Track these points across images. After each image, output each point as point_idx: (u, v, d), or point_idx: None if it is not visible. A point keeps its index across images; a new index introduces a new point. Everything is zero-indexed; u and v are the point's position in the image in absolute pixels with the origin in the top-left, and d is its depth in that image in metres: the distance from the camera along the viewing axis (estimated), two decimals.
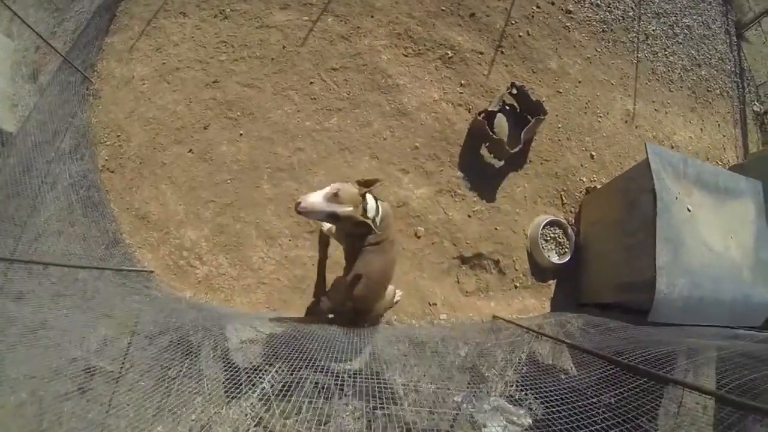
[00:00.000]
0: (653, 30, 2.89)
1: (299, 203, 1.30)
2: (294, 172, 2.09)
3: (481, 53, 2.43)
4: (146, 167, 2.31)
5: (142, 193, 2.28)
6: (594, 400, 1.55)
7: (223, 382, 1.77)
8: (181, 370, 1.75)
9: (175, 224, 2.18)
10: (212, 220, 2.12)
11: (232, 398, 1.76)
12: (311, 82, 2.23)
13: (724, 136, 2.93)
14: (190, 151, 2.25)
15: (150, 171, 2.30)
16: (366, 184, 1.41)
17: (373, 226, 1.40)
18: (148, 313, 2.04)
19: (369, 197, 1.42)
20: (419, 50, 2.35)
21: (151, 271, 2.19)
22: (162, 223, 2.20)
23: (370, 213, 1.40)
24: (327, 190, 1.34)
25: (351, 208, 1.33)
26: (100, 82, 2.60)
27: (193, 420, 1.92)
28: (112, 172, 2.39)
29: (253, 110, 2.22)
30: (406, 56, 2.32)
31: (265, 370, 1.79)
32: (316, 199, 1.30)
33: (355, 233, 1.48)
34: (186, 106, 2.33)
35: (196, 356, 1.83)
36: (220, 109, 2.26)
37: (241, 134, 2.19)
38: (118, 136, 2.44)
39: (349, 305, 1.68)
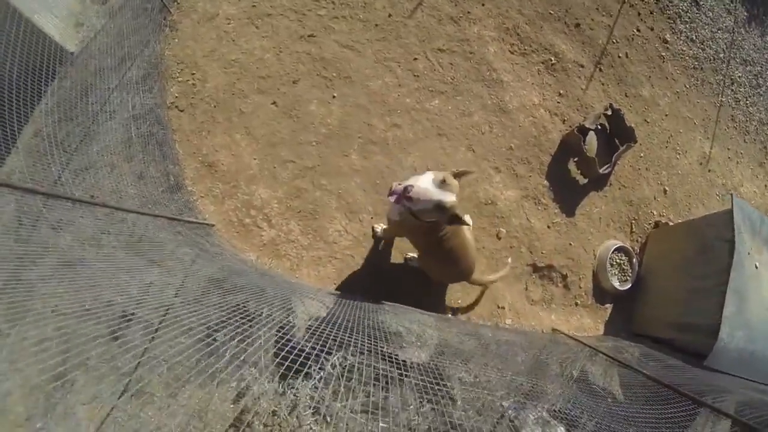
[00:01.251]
0: (739, 77, 2.87)
1: (405, 187, 1.14)
2: (387, 148, 1.97)
3: (582, 66, 2.35)
4: (221, 112, 2.14)
5: (213, 139, 2.11)
6: (632, 429, 1.57)
7: (284, 358, 1.67)
8: (230, 335, 1.64)
9: (245, 179, 2.03)
10: (289, 182, 1.98)
11: (290, 374, 1.66)
12: (415, 59, 2.10)
13: None
14: (274, 103, 2.09)
15: (225, 117, 2.13)
16: (459, 175, 1.28)
17: (465, 221, 1.25)
18: (202, 268, 1.90)
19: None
20: (525, 50, 2.25)
21: (212, 225, 2.04)
22: (231, 175, 2.05)
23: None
24: (431, 176, 1.19)
25: (456, 199, 1.19)
26: (179, 14, 2.39)
27: (232, 386, 1.81)
28: (181, 111, 2.21)
29: (350, 74, 2.07)
30: (512, 53, 2.22)
31: (331, 353, 1.69)
32: (426, 185, 1.15)
33: (428, 227, 1.34)
34: (275, 55, 2.16)
35: (252, 324, 1.71)
36: (314, 65, 2.10)
37: (334, 96, 2.05)
38: (193, 74, 2.25)
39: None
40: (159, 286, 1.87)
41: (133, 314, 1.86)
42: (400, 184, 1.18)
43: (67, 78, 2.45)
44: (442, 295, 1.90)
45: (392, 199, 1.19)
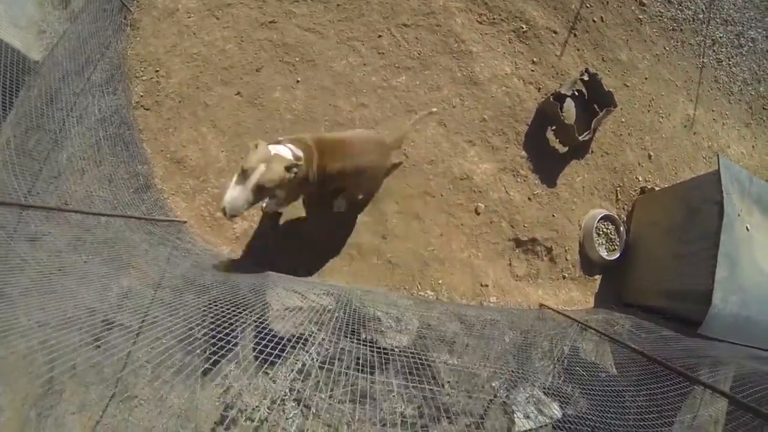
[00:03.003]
0: (720, 37, 2.71)
1: (223, 209, 1.06)
2: (354, 129, 1.85)
3: (555, 32, 2.21)
4: (186, 107, 2.04)
5: (180, 135, 2.01)
6: (629, 401, 1.48)
7: (260, 351, 1.58)
8: (210, 332, 1.54)
9: (215, 172, 1.93)
10: None
11: (268, 367, 1.57)
12: (380, 36, 1.98)
13: None
14: (238, 93, 1.98)
15: (190, 111, 2.03)
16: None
17: (300, 167, 1.16)
18: (177, 267, 1.80)
19: (276, 147, 1.18)
20: (494, 19, 2.12)
21: (184, 222, 1.94)
22: (200, 170, 1.94)
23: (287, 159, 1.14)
24: (233, 179, 1.10)
25: (266, 167, 1.06)
26: (139, 12, 2.28)
27: (216, 384, 1.73)
28: (147, 109, 2.11)
29: (313, 57, 1.95)
30: (481, 23, 2.08)
31: (308, 342, 1.60)
32: (230, 193, 1.06)
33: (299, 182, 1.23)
34: (237, 44, 2.05)
35: (229, 319, 1.62)
36: (276, 51, 1.99)
37: (298, 81, 1.93)
38: (157, 71, 2.15)
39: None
40: (136, 289, 1.78)
41: (113, 320, 1.77)
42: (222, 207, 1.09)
43: (34, 87, 2.35)
44: (421, 278, 1.79)
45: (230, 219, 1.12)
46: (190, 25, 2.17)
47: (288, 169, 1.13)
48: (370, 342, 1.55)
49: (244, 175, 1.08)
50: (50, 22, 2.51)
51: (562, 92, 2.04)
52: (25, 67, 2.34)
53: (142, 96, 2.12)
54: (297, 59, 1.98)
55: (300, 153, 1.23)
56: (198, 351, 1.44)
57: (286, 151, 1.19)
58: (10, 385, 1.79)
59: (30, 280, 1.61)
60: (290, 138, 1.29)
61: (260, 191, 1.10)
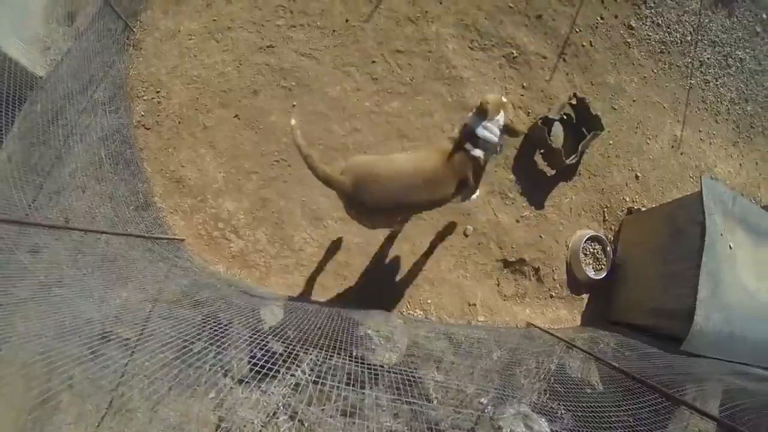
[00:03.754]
0: (707, 58, 2.75)
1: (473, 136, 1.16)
2: (348, 153, 1.90)
3: (545, 57, 2.25)
4: (186, 128, 2.08)
5: (179, 155, 2.06)
6: (614, 418, 1.51)
7: (253, 364, 1.62)
8: (205, 347, 1.58)
9: (212, 192, 1.97)
10: (254, 193, 1.92)
11: (261, 382, 1.61)
12: (373, 62, 2.02)
13: (760, 174, 2.85)
14: (236, 116, 2.03)
15: (190, 132, 2.07)
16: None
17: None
18: (174, 283, 1.84)
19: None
20: (485, 45, 2.16)
21: (182, 240, 1.99)
22: (198, 190, 1.99)
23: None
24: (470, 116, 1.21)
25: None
26: (142, 33, 2.33)
27: (211, 398, 1.76)
28: (148, 129, 2.16)
29: (309, 82, 2.00)
30: (472, 49, 2.13)
31: (300, 358, 1.64)
32: (485, 123, 1.19)
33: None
34: (235, 68, 2.10)
35: (224, 335, 1.66)
36: (273, 76, 2.04)
37: (293, 105, 1.98)
38: (158, 92, 2.20)
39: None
40: (134, 303, 1.82)
41: (111, 332, 1.81)
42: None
43: (38, 102, 2.40)
44: (410, 297, 1.83)
45: (467, 139, 1.19)
46: (191, 47, 2.22)
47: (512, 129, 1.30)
48: (360, 359, 1.59)
49: (486, 113, 1.16)
50: (55, 39, 2.56)
51: (550, 116, 2.09)
52: (29, 82, 2.40)
53: (143, 116, 2.17)
54: (293, 84, 2.02)
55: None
56: (194, 364, 1.48)
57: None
58: (8, 394, 1.82)
59: (29, 290, 1.65)
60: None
61: (506, 133, 1.22)
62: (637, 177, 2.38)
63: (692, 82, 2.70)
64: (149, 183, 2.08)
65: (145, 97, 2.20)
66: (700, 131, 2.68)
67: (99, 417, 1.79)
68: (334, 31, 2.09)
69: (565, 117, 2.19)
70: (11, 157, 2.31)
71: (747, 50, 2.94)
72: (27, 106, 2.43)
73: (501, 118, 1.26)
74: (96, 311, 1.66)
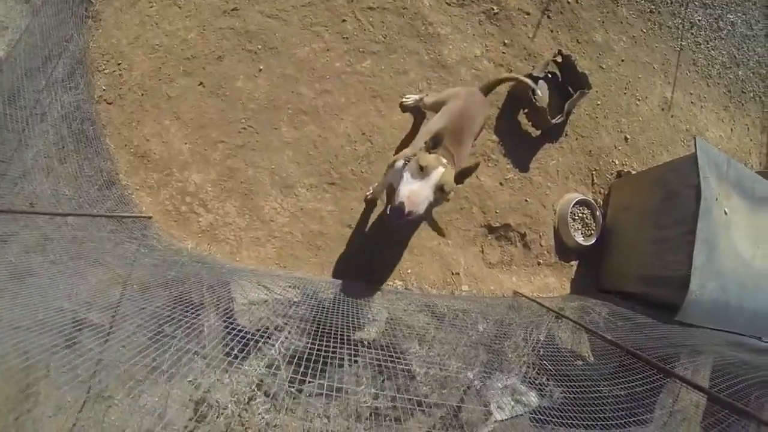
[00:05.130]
0: (698, 20, 2.58)
1: (398, 209, 0.94)
2: (318, 116, 1.74)
3: (528, 14, 2.08)
4: (149, 100, 1.92)
5: (143, 128, 1.89)
6: (606, 390, 1.40)
7: (226, 345, 1.49)
8: (178, 328, 1.45)
9: (178, 165, 1.82)
10: (221, 163, 1.77)
11: (235, 363, 1.48)
12: (344, 20, 1.85)
13: (751, 140, 2.71)
14: (201, 84, 1.86)
15: (153, 104, 1.91)
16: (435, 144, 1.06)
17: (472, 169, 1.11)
18: (143, 263, 1.71)
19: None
20: (463, 1, 1.99)
21: (149, 217, 1.83)
22: (164, 164, 1.83)
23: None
24: (407, 174, 1.00)
25: (444, 170, 1.00)
26: (101, 3, 2.14)
27: (189, 381, 1.64)
28: (110, 104, 1.99)
29: (276, 44, 1.83)
30: (449, 5, 1.96)
31: (273, 335, 1.51)
32: (409, 188, 0.95)
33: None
34: (199, 34, 1.92)
35: (196, 314, 1.52)
36: (238, 39, 1.87)
37: (260, 69, 1.81)
38: (119, 64, 2.02)
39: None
40: (104, 287, 1.69)
41: (83, 320, 1.68)
42: (391, 207, 0.98)
43: None
44: (390, 266, 1.69)
45: (398, 221, 0.99)
46: (152, 15, 2.04)
47: (463, 173, 1.08)
48: (338, 335, 1.46)
49: (422, 171, 0.97)
50: (13, 17, 2.37)
51: (534, 74, 1.93)
52: None
53: (104, 90, 2.00)
54: (259, 47, 1.85)
55: (444, 160, 1.12)
56: (168, 348, 1.36)
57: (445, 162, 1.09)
58: None
59: (1, 282, 1.52)
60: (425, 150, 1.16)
61: (440, 193, 1.00)
62: (626, 139, 2.23)
63: (683, 43, 2.54)
64: (113, 160, 1.92)
65: (106, 71, 2.03)
66: (691, 94, 2.53)
67: (78, 407, 1.66)
68: None
69: (549, 75, 2.03)
70: None
71: (738, 14, 2.78)
72: None
73: (437, 175, 1.00)
74: (66, 299, 1.53)
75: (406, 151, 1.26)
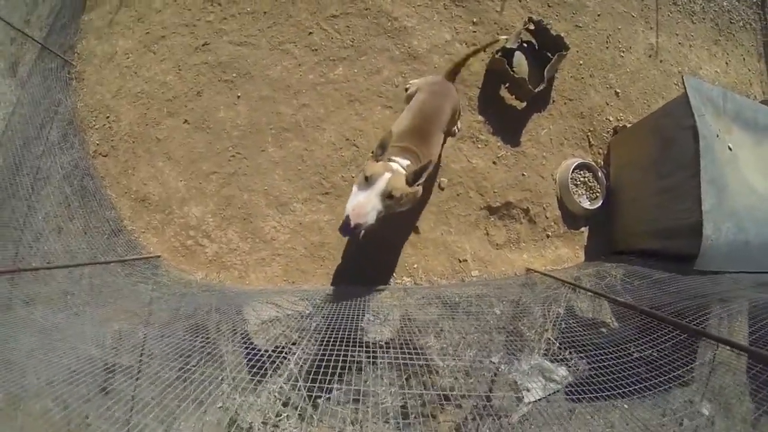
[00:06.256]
0: None
1: (346, 223, 0.95)
2: (301, 131, 1.77)
3: None
4: (140, 145, 1.99)
5: (139, 173, 1.97)
6: (636, 354, 1.35)
7: (247, 367, 1.52)
8: (201, 359, 1.49)
9: (177, 202, 1.88)
10: (217, 193, 1.81)
11: (257, 383, 1.51)
12: (310, 33, 1.88)
13: (749, 70, 2.57)
14: (186, 122, 1.92)
15: (144, 149, 1.98)
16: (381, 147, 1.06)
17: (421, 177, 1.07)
18: (159, 302, 1.77)
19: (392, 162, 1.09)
20: None
21: (158, 256, 1.90)
22: (163, 204, 1.90)
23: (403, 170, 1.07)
24: (354, 187, 1.01)
25: (390, 176, 0.99)
26: (81, 64, 2.25)
27: (219, 407, 1.68)
28: (105, 156, 2.08)
29: (249, 69, 1.87)
30: None
31: (290, 350, 1.53)
32: (355, 200, 0.96)
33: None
34: (176, 74, 1.99)
35: (214, 342, 1.56)
36: (213, 72, 1.92)
37: (238, 96, 1.86)
38: (107, 117, 2.11)
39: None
40: (127, 330, 1.76)
41: (113, 364, 1.76)
42: (345, 218, 0.98)
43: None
44: (395, 264, 1.69)
45: (348, 235, 1.01)
46: (130, 65, 2.13)
47: (408, 182, 1.06)
48: (353, 340, 1.47)
49: (368, 181, 0.98)
50: (2, 92, 2.52)
51: (508, 46, 1.90)
52: None
53: (98, 144, 2.10)
54: (234, 75, 1.90)
55: (407, 161, 1.14)
56: (194, 378, 1.40)
57: (396, 167, 1.10)
58: None
59: (31, 340, 1.60)
60: (389, 152, 1.17)
61: (389, 200, 1.00)
62: (617, 93, 2.16)
63: None
64: (116, 208, 2.00)
65: (96, 126, 2.13)
66: (677, 35, 2.43)
67: None
68: (264, 12, 1.96)
69: (525, 45, 1.99)
70: None
71: None
72: None
73: (382, 182, 0.99)
74: (95, 347, 1.60)
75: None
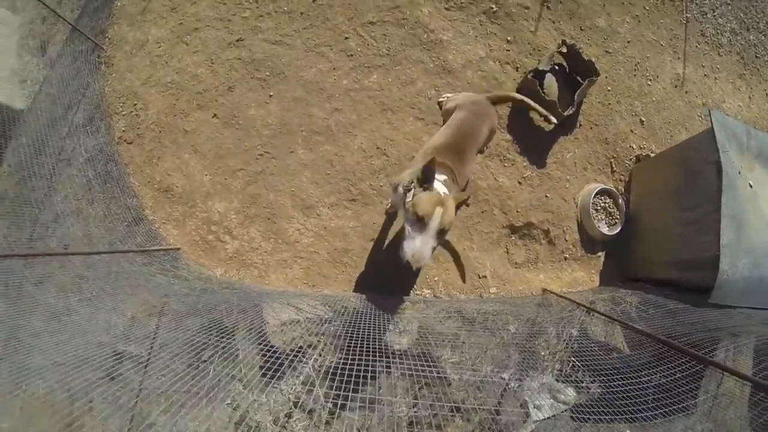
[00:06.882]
0: None
1: (411, 267, 0.97)
2: (332, 135, 1.78)
3: (527, 8, 2.08)
4: (167, 136, 2.00)
5: (164, 164, 1.97)
6: (645, 380, 1.37)
7: (261, 367, 1.53)
8: (214, 354, 1.50)
9: (201, 196, 1.88)
10: (242, 190, 1.82)
11: (272, 383, 1.52)
12: (346, 38, 1.89)
13: None
14: (215, 116, 1.93)
15: (171, 140, 1.99)
16: (426, 177, 1.04)
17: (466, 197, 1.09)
18: (176, 294, 1.78)
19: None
20: (462, 3, 2.00)
21: (178, 249, 1.91)
22: (187, 196, 1.90)
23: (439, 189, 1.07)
24: (406, 226, 1.01)
25: (442, 211, 0.98)
26: (112, 49, 2.25)
27: (228, 404, 1.69)
28: (130, 143, 2.08)
29: (283, 69, 1.89)
30: (448, 10, 1.97)
31: (307, 354, 1.54)
32: (416, 245, 0.96)
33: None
34: (208, 68, 2.00)
35: (230, 339, 1.57)
36: (246, 69, 1.93)
37: (270, 95, 1.87)
38: (135, 104, 2.12)
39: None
40: (141, 319, 1.77)
41: (123, 352, 1.76)
42: (406, 262, 0.99)
43: (22, 135, 2.36)
44: (416, 276, 1.71)
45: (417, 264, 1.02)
46: (162, 54, 2.13)
47: (457, 203, 1.07)
48: (370, 347, 1.49)
49: (421, 222, 0.98)
50: (30, 70, 2.52)
51: (540, 68, 1.92)
52: (12, 117, 2.36)
53: (124, 131, 2.10)
54: (267, 74, 1.91)
55: (444, 177, 1.14)
56: (206, 373, 1.41)
57: (439, 186, 1.09)
58: (34, 425, 1.80)
59: (41, 322, 1.61)
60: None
61: (442, 234, 1.02)
62: (641, 122, 2.19)
63: (688, 15, 2.48)
64: (138, 197, 2.01)
65: (123, 112, 2.13)
66: (703, 66, 2.46)
67: None
68: (301, 13, 1.97)
69: (556, 67, 2.02)
70: (5, 195, 2.28)
71: None
72: (13, 142, 2.40)
73: (436, 221, 0.98)
74: (105, 334, 1.61)
75: (405, 175, 1.22)
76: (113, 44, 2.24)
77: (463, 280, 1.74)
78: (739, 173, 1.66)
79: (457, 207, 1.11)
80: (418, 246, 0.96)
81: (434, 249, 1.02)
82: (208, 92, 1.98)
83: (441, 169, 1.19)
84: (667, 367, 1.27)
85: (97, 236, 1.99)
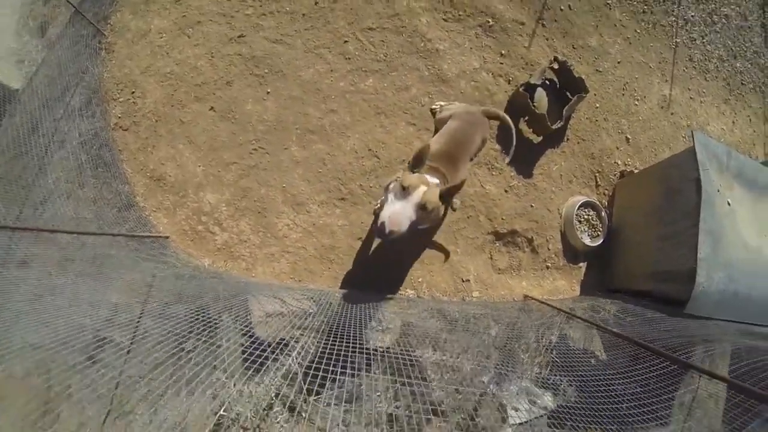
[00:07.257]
0: (692, 16, 2.64)
1: (382, 229, 0.99)
2: (325, 135, 1.82)
3: (522, 24, 2.16)
4: (163, 125, 2.02)
5: (158, 153, 2.00)
6: (620, 388, 1.43)
7: (244, 358, 1.55)
8: (197, 344, 1.52)
9: (193, 187, 1.91)
10: (234, 183, 1.85)
11: (254, 374, 1.54)
12: (345, 41, 1.95)
13: (754, 131, 2.73)
14: (212, 109, 1.96)
15: (167, 129, 2.01)
16: (416, 163, 1.09)
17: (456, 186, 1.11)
18: (162, 281, 1.79)
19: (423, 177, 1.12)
20: (459, 16, 2.07)
21: (167, 237, 1.92)
22: (179, 186, 1.93)
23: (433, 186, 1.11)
24: (390, 195, 1.04)
25: (426, 189, 1.02)
26: (113, 36, 2.27)
27: (209, 394, 1.70)
28: (125, 130, 2.10)
29: (281, 68, 1.93)
30: (446, 21, 2.04)
31: (291, 346, 1.57)
32: (392, 209, 0.99)
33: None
34: (208, 61, 2.03)
35: (214, 329, 1.59)
36: (246, 65, 1.97)
37: (268, 92, 1.91)
38: (133, 92, 2.14)
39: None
40: (124, 305, 1.77)
41: (105, 337, 1.77)
42: (380, 224, 1.02)
43: (16, 114, 2.36)
44: (401, 276, 1.76)
45: (383, 238, 1.04)
46: (163, 44, 2.16)
47: (441, 197, 1.09)
48: (352, 343, 1.52)
49: (405, 191, 1.01)
50: (28, 51, 2.52)
51: (532, 82, 2.00)
52: (6, 96, 2.36)
53: (119, 117, 2.12)
54: (266, 71, 1.95)
55: (437, 181, 1.17)
56: (187, 362, 1.42)
57: (433, 180, 1.13)
58: (9, 407, 1.78)
59: (22, 302, 1.60)
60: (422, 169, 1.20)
61: (422, 212, 1.03)
62: (627, 139, 2.28)
63: (678, 41, 2.59)
64: (130, 183, 2.02)
65: (120, 99, 2.15)
66: (689, 90, 2.57)
67: (100, 423, 1.73)
68: (303, 14, 2.02)
69: (547, 82, 2.10)
70: None
71: (732, 6, 2.82)
72: (6, 120, 2.40)
73: (418, 194, 1.03)
74: (88, 317, 1.61)
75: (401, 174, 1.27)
76: (115, 31, 2.27)
77: (446, 257, 1.75)
78: (718, 191, 1.75)
79: (448, 196, 1.12)
80: (397, 209, 0.99)
81: (412, 222, 1.03)
82: (207, 85, 2.01)
83: (434, 174, 1.24)
84: (645, 370, 1.31)
85: (86, 219, 1.99)
